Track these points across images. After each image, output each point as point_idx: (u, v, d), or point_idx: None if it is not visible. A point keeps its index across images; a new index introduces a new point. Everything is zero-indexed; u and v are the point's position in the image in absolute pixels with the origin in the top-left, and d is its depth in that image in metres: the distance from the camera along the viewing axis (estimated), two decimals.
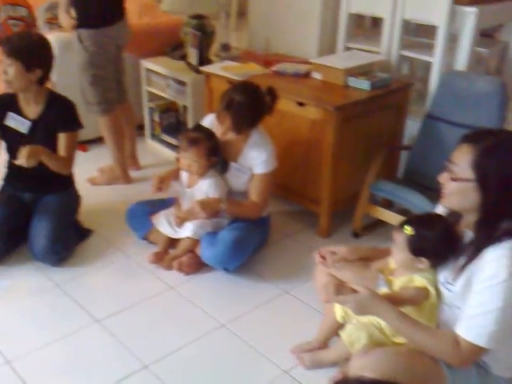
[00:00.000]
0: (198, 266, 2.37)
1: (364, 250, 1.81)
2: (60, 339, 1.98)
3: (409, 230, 1.55)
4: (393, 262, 1.66)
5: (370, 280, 1.65)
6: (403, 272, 1.61)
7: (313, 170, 2.61)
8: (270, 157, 2.37)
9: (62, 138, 2.37)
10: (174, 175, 2.47)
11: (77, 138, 2.46)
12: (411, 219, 1.62)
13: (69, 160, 2.41)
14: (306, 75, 2.79)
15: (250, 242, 2.36)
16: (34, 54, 2.26)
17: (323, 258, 1.77)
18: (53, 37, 2.80)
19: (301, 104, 2.53)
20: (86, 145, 3.45)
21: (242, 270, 2.36)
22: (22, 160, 2.17)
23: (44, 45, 2.32)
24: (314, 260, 1.81)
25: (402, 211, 2.54)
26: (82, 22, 2.71)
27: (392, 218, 2.50)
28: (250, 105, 2.24)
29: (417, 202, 2.33)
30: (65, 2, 2.72)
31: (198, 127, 2.41)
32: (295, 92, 2.61)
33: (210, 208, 2.27)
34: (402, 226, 1.58)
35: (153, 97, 3.47)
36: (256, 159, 2.35)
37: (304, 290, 2.26)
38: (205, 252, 2.32)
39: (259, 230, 2.45)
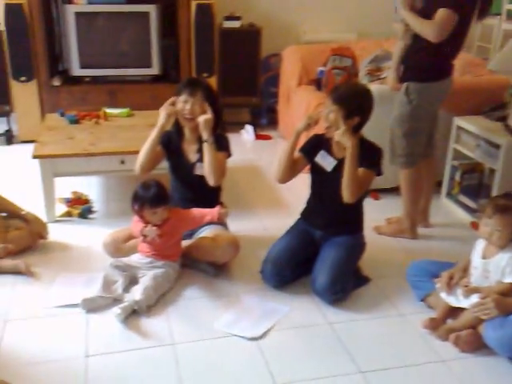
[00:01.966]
0: (477, 345, 2.12)
1: None
2: (321, 378, 1.99)
3: None
4: None
5: None
6: None
7: None
8: None
9: (359, 173, 2.41)
10: (464, 272, 2.28)
11: (370, 180, 2.47)
12: None
13: (358, 188, 2.39)
14: None
15: None
16: (356, 103, 2.39)
17: None
18: (372, 88, 2.91)
19: None
20: (378, 193, 3.50)
21: None
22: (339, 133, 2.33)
23: (367, 95, 2.43)
24: None
25: None
26: (413, 76, 2.75)
27: None
28: None
29: None
30: (395, 60, 2.81)
31: (510, 195, 2.19)
32: None
33: (505, 309, 2.04)
34: None
35: (458, 155, 3.33)
36: None
37: None
38: (489, 333, 2.06)
39: None
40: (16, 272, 2.54)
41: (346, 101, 2.36)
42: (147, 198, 2.43)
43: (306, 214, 2.67)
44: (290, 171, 2.54)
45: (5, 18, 3.96)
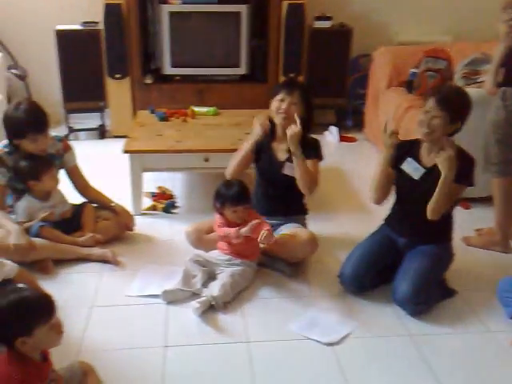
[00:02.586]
0: None
1: None
2: None
3: None
4: None
5: None
6: None
7: None
8: None
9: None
10: None
11: (461, 193, 2.36)
12: None
13: (445, 205, 2.30)
14: None
15: None
16: (461, 108, 2.28)
17: None
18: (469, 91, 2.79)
19: None
20: (469, 202, 3.32)
21: None
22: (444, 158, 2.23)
23: (469, 99, 2.32)
24: None
25: None
26: (510, 81, 2.61)
27: None
28: None
29: None
30: (495, 63, 2.67)
31: None
32: None
33: None
34: None
35: None
36: None
37: None
38: None
39: None
40: (103, 260, 2.65)
41: (452, 105, 2.26)
42: (229, 196, 2.45)
43: (390, 221, 2.58)
44: (387, 190, 2.48)
45: (104, 17, 4.16)
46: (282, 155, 2.68)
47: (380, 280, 2.49)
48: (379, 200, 2.50)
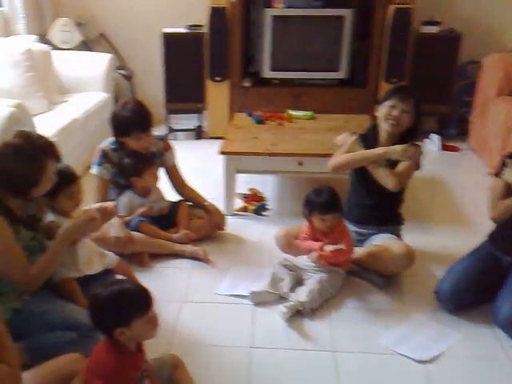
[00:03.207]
0: None
1: None
2: None
3: None
4: None
5: None
6: None
7: None
8: None
9: None
10: None
11: None
12: None
13: None
14: None
15: None
16: None
17: None
18: None
19: None
20: None
21: None
22: None
23: None
24: None
25: None
26: None
27: None
28: None
29: None
30: None
31: None
32: None
33: None
34: None
35: None
36: None
37: None
38: None
39: None
40: (195, 258, 2.71)
41: None
42: (318, 203, 2.41)
43: (495, 237, 2.40)
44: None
45: (210, 20, 4.26)
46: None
47: (480, 299, 2.34)
48: (501, 221, 2.33)
